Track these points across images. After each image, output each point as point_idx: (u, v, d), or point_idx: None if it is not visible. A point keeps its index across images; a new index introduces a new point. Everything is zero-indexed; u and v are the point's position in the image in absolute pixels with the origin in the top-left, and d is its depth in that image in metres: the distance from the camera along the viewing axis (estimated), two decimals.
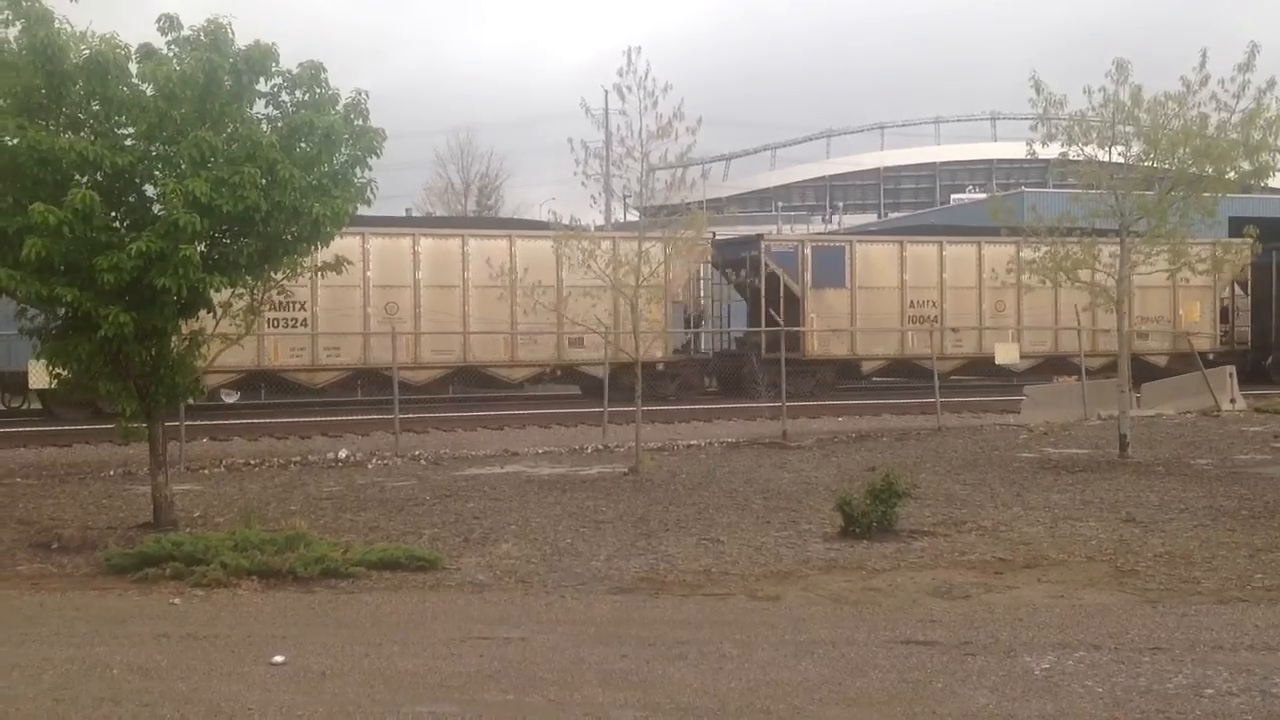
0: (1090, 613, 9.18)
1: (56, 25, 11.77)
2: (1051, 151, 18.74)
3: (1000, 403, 28.07)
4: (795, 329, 30.65)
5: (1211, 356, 32.58)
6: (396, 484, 16.94)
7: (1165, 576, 10.44)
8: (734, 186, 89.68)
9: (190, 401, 15.00)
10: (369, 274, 27.77)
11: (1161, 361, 33.86)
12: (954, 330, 32.79)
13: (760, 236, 33.83)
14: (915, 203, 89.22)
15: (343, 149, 12.68)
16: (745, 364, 31.90)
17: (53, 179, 11.56)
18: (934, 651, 7.93)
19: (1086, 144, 17.94)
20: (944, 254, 32.73)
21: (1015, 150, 72.34)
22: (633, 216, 42.45)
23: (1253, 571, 10.58)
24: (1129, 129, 17.92)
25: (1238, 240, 21.79)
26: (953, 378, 32.27)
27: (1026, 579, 10.48)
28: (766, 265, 31.56)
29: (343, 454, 20.34)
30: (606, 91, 19.58)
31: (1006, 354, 30.25)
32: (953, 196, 76.50)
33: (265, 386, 29.57)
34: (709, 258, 27.55)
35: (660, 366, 29.85)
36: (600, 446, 21.21)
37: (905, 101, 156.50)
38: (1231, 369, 27.98)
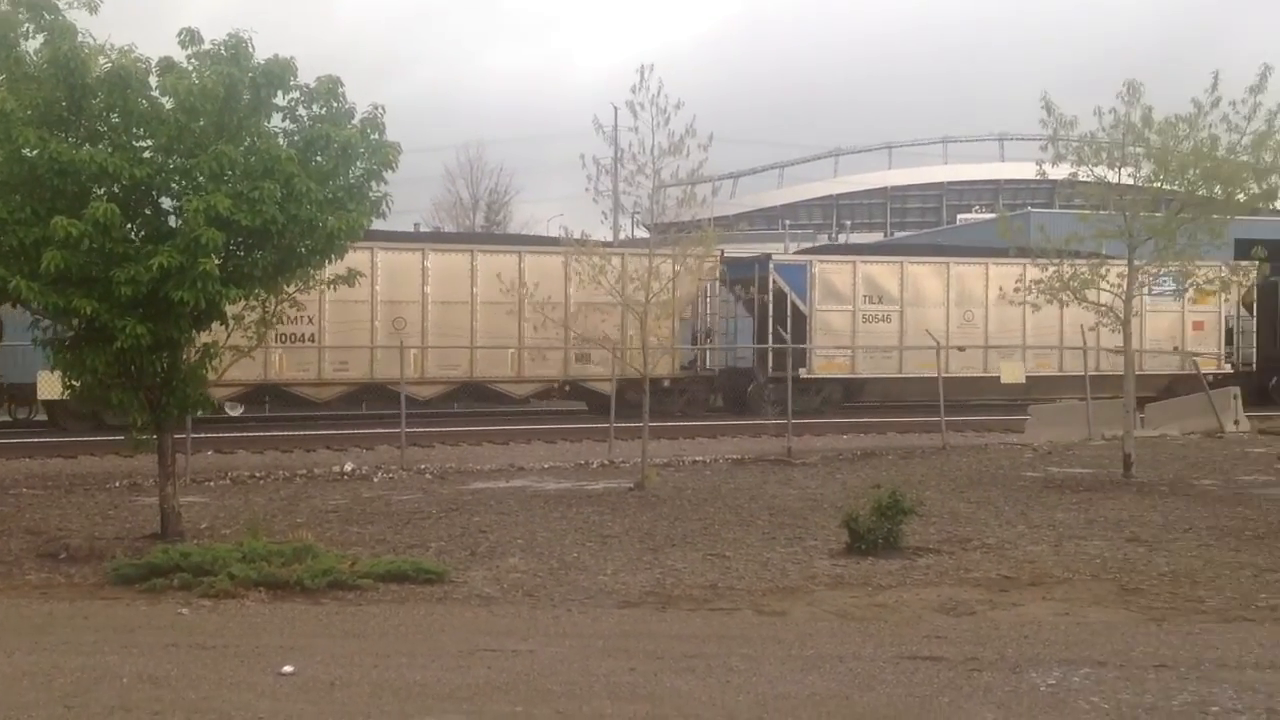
0: (1095, 630, 9.22)
1: (79, 39, 11.88)
2: (1061, 172, 18.73)
3: (1004, 421, 28.07)
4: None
5: (1210, 379, 32.33)
6: (402, 497, 16.98)
7: (1170, 595, 10.48)
8: (741, 204, 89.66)
9: (199, 414, 15.01)
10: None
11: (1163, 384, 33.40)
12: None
13: None
14: (922, 222, 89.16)
15: (358, 163, 12.77)
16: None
17: (71, 191, 11.65)
18: (940, 667, 7.96)
19: (1096, 165, 17.97)
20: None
21: (1023, 170, 72.99)
22: (641, 233, 42.30)
23: (1257, 591, 10.61)
24: (1139, 150, 17.94)
25: (1245, 263, 21.87)
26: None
27: (1031, 596, 10.51)
28: None
29: (348, 467, 20.37)
30: (617, 109, 19.69)
31: (1012, 373, 30.13)
32: (959, 216, 76.51)
33: (270, 400, 29.48)
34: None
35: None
36: (606, 462, 21.22)
37: (913, 120, 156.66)
38: (1236, 390, 27.97)
